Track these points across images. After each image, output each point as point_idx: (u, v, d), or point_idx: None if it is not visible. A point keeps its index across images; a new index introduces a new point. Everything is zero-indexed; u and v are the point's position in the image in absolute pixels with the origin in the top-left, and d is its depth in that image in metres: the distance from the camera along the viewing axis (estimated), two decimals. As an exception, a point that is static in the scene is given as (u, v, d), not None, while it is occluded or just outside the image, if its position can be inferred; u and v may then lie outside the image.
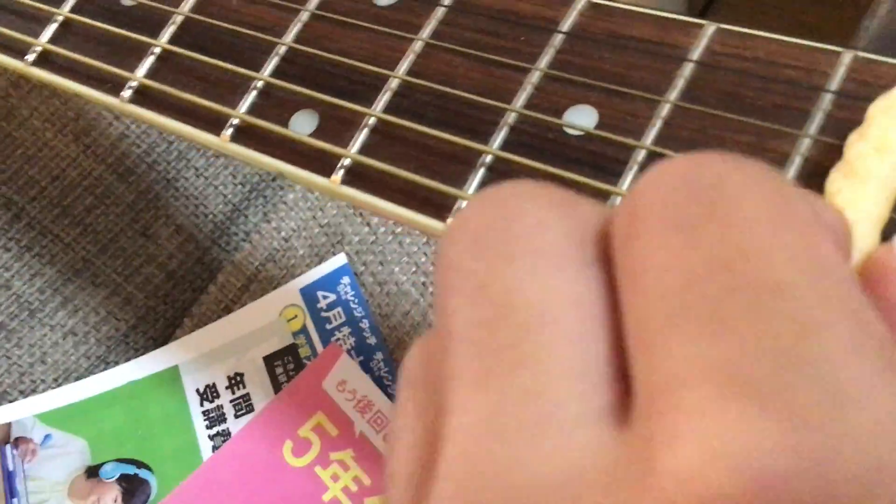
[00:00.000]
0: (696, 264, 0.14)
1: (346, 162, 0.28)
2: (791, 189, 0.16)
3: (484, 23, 0.29)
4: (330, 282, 0.65)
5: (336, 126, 0.29)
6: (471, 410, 0.15)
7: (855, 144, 0.23)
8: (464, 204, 0.26)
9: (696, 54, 0.26)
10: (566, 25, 0.28)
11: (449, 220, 0.26)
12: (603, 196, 0.25)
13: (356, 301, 0.64)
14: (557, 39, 0.28)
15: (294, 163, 0.29)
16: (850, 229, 0.19)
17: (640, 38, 0.27)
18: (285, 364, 0.62)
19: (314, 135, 0.29)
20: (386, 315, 0.63)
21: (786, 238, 0.14)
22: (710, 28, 0.27)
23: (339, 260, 0.65)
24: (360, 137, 0.28)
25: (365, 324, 0.63)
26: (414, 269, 0.64)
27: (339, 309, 0.64)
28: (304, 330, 0.63)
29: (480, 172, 0.27)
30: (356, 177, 0.28)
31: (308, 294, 0.65)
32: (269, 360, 0.63)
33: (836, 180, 0.22)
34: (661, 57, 0.27)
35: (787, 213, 0.15)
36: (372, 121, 0.29)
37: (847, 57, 0.25)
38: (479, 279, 0.16)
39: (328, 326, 0.63)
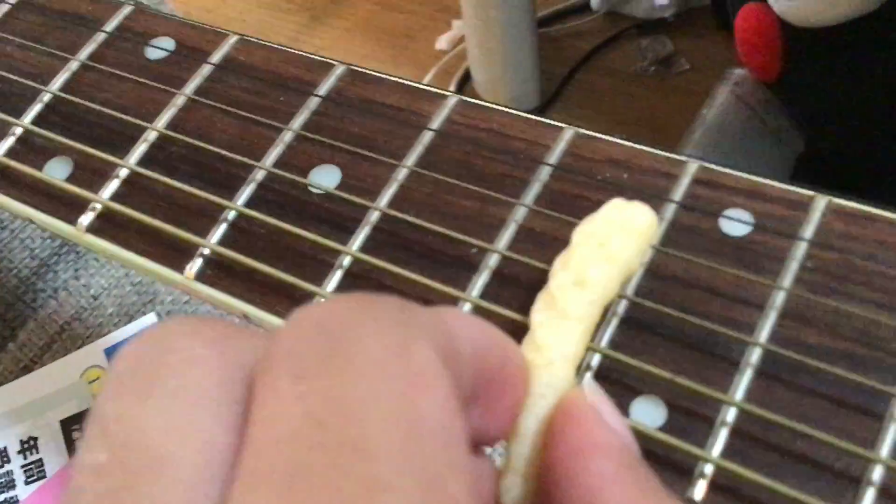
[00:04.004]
0: (297, 417, 0.15)
1: (97, 207, 0.28)
2: (416, 334, 0.16)
3: (247, 82, 0.30)
4: (138, 342, 0.63)
5: (89, 175, 0.29)
6: None
7: (558, 273, 0.22)
8: (206, 251, 0.26)
9: (436, 123, 0.28)
10: (323, 89, 0.29)
11: (186, 271, 0.26)
12: (334, 254, 0.26)
13: (164, 363, 0.62)
14: (314, 102, 0.29)
15: (42, 208, 0.28)
16: (511, 362, 0.19)
17: (390, 104, 0.29)
18: (84, 428, 0.60)
19: (66, 182, 0.29)
20: (194, 378, 0.62)
21: (387, 393, 0.15)
22: (453, 99, 0.28)
23: (149, 320, 0.64)
24: (111, 187, 0.28)
25: (171, 386, 0.61)
26: (227, 331, 0.63)
27: (146, 370, 0.62)
28: (106, 392, 0.61)
29: (223, 227, 0.27)
30: (105, 223, 0.28)
31: (113, 355, 0.62)
32: (67, 424, 0.60)
33: (540, 311, 0.22)
34: (405, 124, 0.28)
35: (398, 364, 0.15)
36: (124, 172, 0.28)
37: (568, 133, 0.27)
38: (105, 421, 0.15)
39: (133, 388, 0.61)
